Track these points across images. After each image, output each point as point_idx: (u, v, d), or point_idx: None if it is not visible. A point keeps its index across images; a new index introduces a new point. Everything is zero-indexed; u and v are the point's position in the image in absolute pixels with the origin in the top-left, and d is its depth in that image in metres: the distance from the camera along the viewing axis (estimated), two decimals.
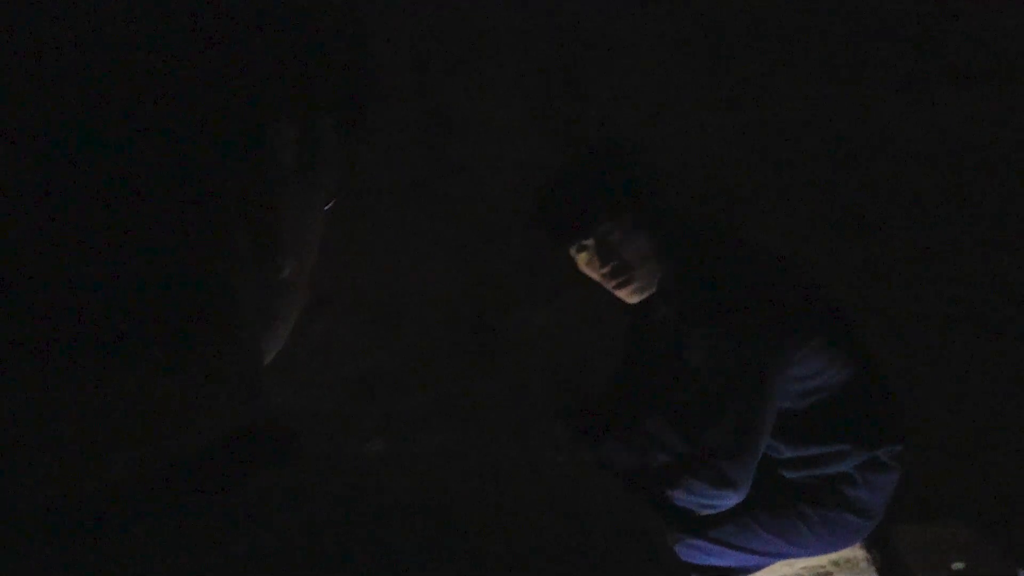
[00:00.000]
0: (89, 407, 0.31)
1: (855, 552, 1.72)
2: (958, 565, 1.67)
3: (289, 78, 0.35)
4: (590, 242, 1.54)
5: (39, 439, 0.31)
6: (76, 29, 0.29)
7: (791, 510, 1.60)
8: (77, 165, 0.30)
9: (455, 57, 3.54)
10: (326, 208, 0.41)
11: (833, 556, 1.70)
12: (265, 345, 0.40)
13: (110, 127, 0.30)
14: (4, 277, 0.30)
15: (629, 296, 1.60)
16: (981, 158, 3.39)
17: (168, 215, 0.32)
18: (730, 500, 1.49)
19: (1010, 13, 3.55)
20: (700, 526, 1.57)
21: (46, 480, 0.30)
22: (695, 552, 1.58)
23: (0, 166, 0.28)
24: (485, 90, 3.50)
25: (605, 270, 1.56)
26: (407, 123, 3.41)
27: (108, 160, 0.30)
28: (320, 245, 0.41)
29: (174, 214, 0.32)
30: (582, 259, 1.59)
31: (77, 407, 0.31)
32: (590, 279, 1.64)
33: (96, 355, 0.32)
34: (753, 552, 1.62)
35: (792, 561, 1.70)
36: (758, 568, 1.66)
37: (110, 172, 0.30)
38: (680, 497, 1.49)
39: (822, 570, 1.70)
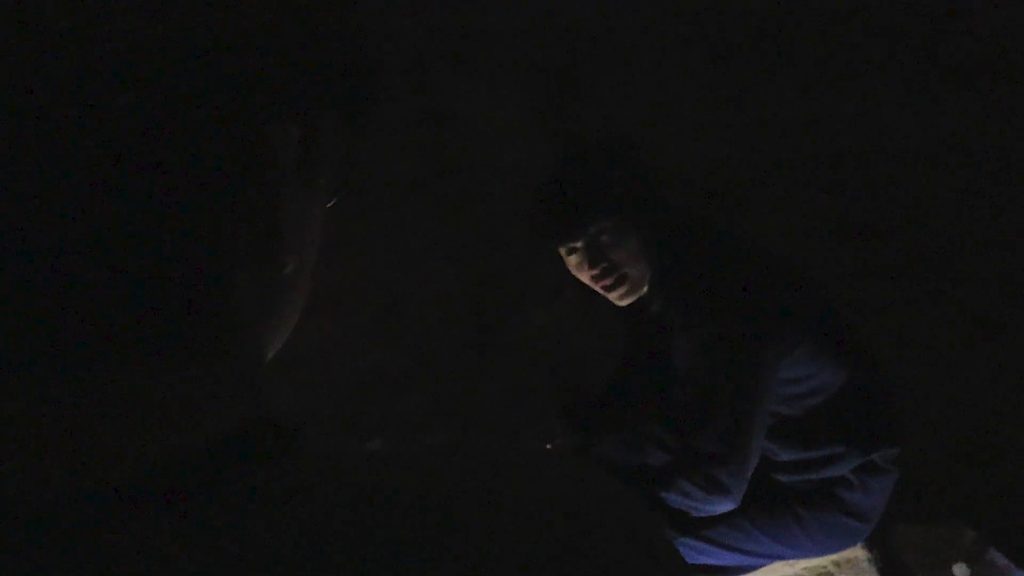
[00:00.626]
0: (86, 406, 0.31)
1: (856, 552, 1.72)
2: (959, 566, 1.67)
3: (290, 77, 0.35)
4: (580, 244, 1.54)
5: (33, 439, 0.30)
6: (74, 26, 0.29)
7: (787, 512, 1.59)
8: (75, 164, 0.30)
9: (455, 57, 3.54)
10: (328, 206, 0.41)
11: (834, 556, 1.70)
12: (266, 343, 0.40)
13: (108, 125, 0.30)
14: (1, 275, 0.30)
15: (619, 299, 1.59)
16: (981, 158, 3.39)
17: (167, 213, 0.32)
18: (723, 505, 1.48)
19: (1011, 13, 3.55)
20: (694, 525, 1.57)
21: (42, 480, 0.30)
22: (689, 551, 1.59)
23: None
24: (485, 90, 3.50)
25: (595, 272, 1.55)
26: (407, 123, 3.41)
27: (107, 159, 0.30)
28: (321, 244, 0.41)
29: (173, 212, 0.32)
30: (572, 261, 1.58)
31: (74, 406, 0.31)
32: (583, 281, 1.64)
33: (94, 354, 0.31)
34: (748, 553, 1.61)
35: (793, 561, 1.70)
36: (754, 568, 1.66)
37: (109, 170, 0.30)
38: (674, 499, 1.49)
39: (823, 570, 1.70)
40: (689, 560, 1.59)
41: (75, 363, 0.30)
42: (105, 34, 0.28)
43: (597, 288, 1.59)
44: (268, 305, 0.37)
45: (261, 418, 0.33)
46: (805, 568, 1.70)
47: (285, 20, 0.33)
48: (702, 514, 1.52)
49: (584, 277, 1.59)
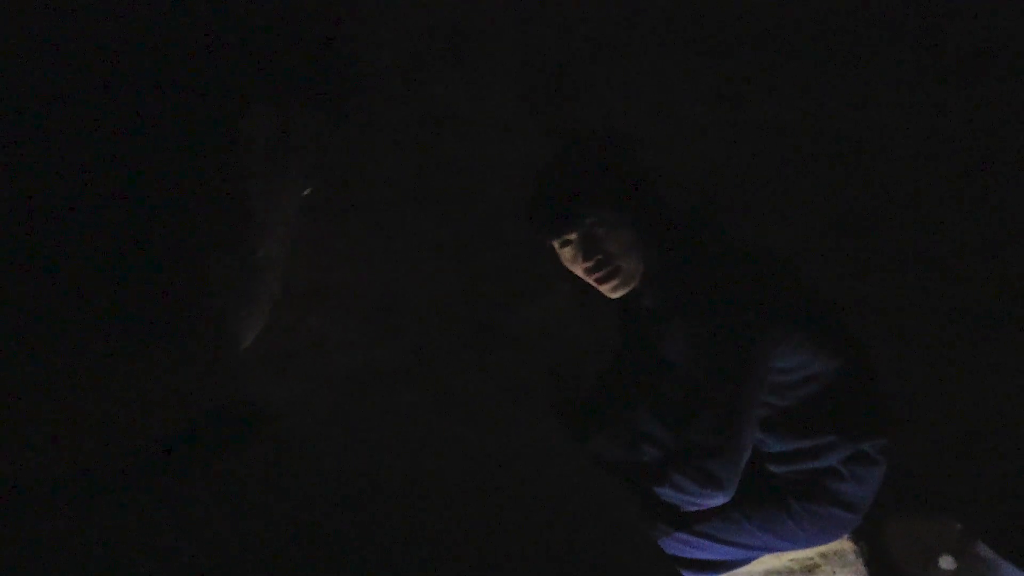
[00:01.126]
0: (77, 397, 0.31)
1: (843, 544, 1.73)
2: (945, 559, 1.68)
3: (265, 61, 0.34)
4: (574, 236, 1.57)
5: (26, 433, 0.30)
6: (53, 21, 0.29)
7: (777, 504, 1.61)
8: (47, 153, 0.29)
9: (453, 56, 3.53)
10: (304, 194, 0.41)
11: (821, 548, 1.71)
12: (240, 328, 0.39)
13: (80, 114, 0.29)
14: None
15: (611, 291, 1.62)
16: (981, 158, 3.39)
17: (137, 199, 0.31)
18: (716, 499, 1.49)
19: (1012, 12, 3.55)
20: (686, 519, 1.58)
21: (30, 470, 0.29)
22: (681, 545, 1.59)
23: None
24: (483, 89, 3.50)
25: (588, 264, 1.59)
26: (405, 121, 3.41)
27: (78, 147, 0.30)
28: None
29: (143, 198, 0.31)
30: (566, 254, 1.62)
31: (66, 398, 0.31)
32: (578, 276, 1.66)
33: (64, 342, 0.31)
34: (739, 545, 1.62)
35: (780, 554, 1.70)
36: (745, 561, 1.67)
37: (79, 159, 0.30)
38: (667, 494, 1.50)
39: (810, 562, 1.71)
40: (683, 555, 1.60)
41: (68, 356, 0.29)
42: (81, 27, 0.28)
43: (590, 281, 1.62)
44: (240, 289, 0.37)
45: (238, 402, 0.33)
46: (792, 560, 1.71)
47: (264, 15, 0.33)
48: (695, 507, 1.53)
49: (578, 270, 1.62)
